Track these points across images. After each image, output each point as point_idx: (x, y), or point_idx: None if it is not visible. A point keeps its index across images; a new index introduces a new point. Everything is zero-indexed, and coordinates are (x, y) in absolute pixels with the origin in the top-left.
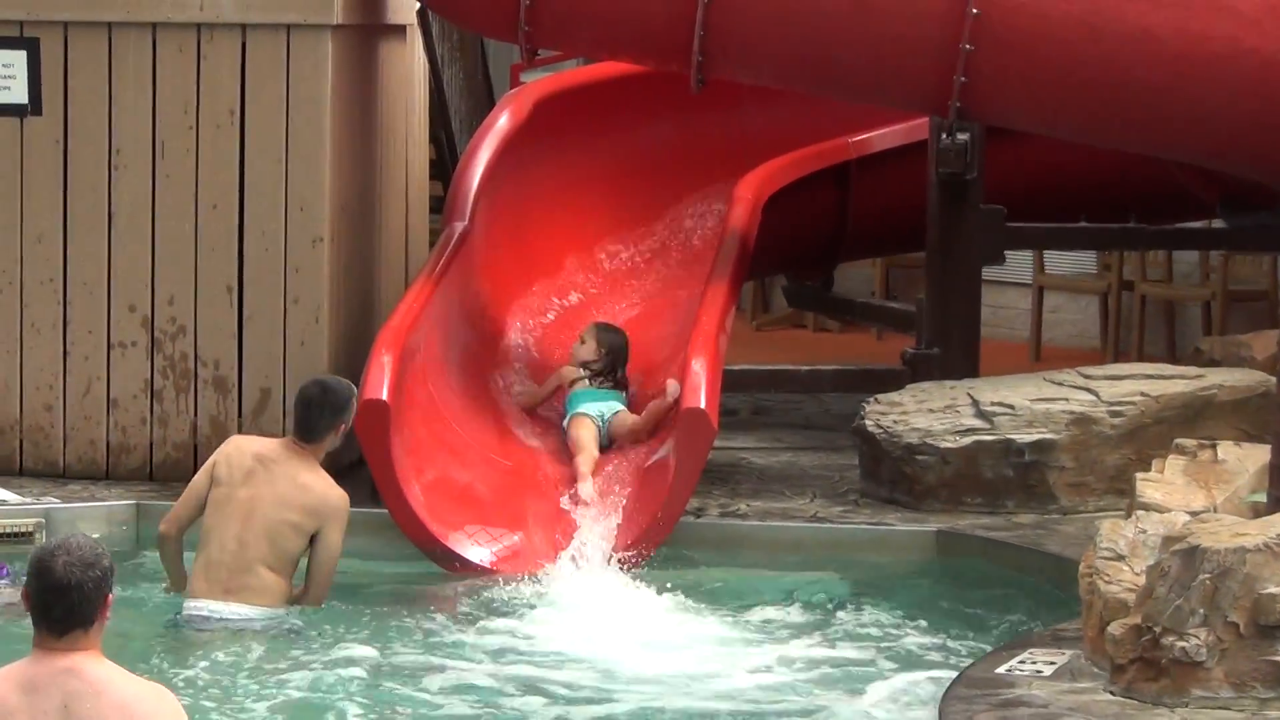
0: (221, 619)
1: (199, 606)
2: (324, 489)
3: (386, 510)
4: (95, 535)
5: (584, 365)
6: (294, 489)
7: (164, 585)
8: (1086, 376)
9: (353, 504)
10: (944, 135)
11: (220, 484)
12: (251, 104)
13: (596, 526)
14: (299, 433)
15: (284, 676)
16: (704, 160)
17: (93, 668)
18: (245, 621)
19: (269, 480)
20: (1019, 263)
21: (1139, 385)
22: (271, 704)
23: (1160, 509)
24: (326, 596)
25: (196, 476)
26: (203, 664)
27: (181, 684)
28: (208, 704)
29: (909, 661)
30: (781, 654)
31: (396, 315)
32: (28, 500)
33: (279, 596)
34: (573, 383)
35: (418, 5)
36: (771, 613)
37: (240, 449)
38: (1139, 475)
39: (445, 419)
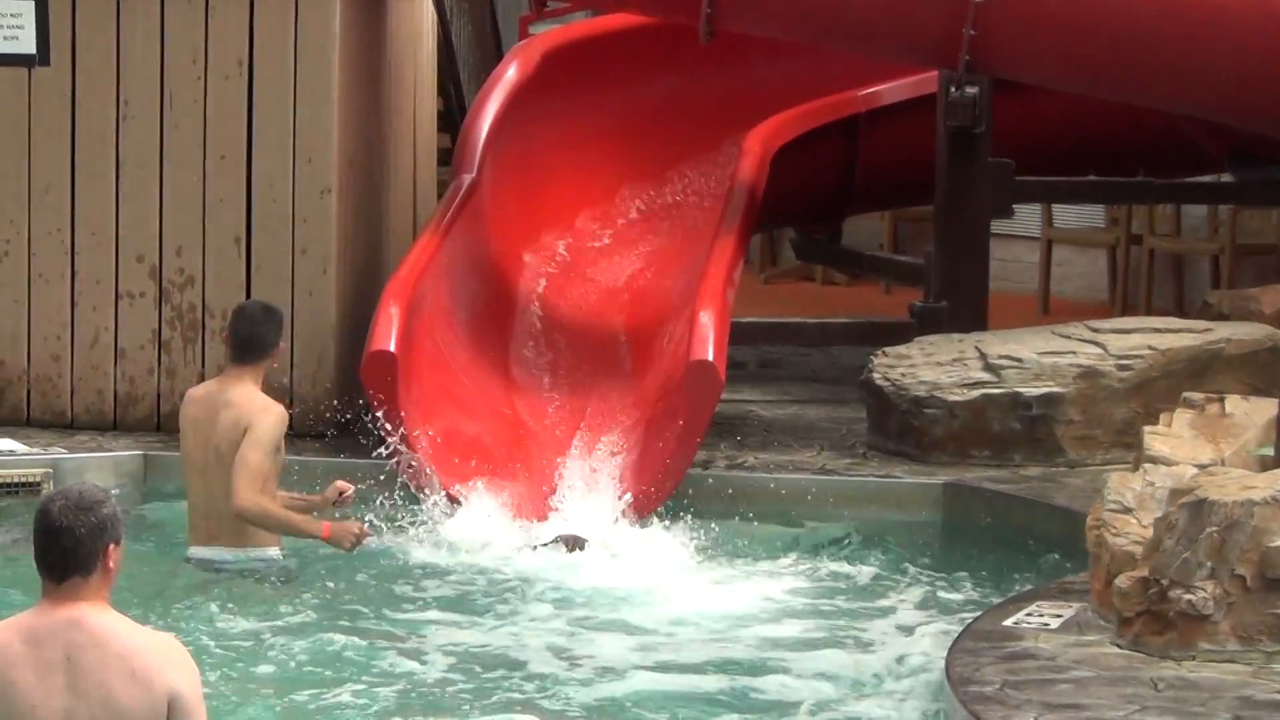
0: (211, 561)
1: (193, 553)
2: (249, 400)
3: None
4: (102, 486)
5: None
6: (227, 418)
7: None
8: (1094, 330)
9: (361, 456)
10: (953, 88)
11: (182, 440)
12: (260, 55)
13: (604, 479)
14: (238, 352)
15: (285, 624)
16: (713, 113)
17: (96, 618)
18: (232, 564)
19: (209, 423)
20: (1027, 216)
21: (1147, 339)
22: (266, 652)
23: (1168, 462)
24: (249, 501)
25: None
26: (207, 609)
27: (188, 629)
28: (215, 648)
29: (915, 614)
30: (787, 606)
31: (404, 266)
32: (35, 451)
33: (258, 535)
34: None
35: None
36: (777, 565)
37: (188, 401)
38: (1146, 428)
39: (452, 370)
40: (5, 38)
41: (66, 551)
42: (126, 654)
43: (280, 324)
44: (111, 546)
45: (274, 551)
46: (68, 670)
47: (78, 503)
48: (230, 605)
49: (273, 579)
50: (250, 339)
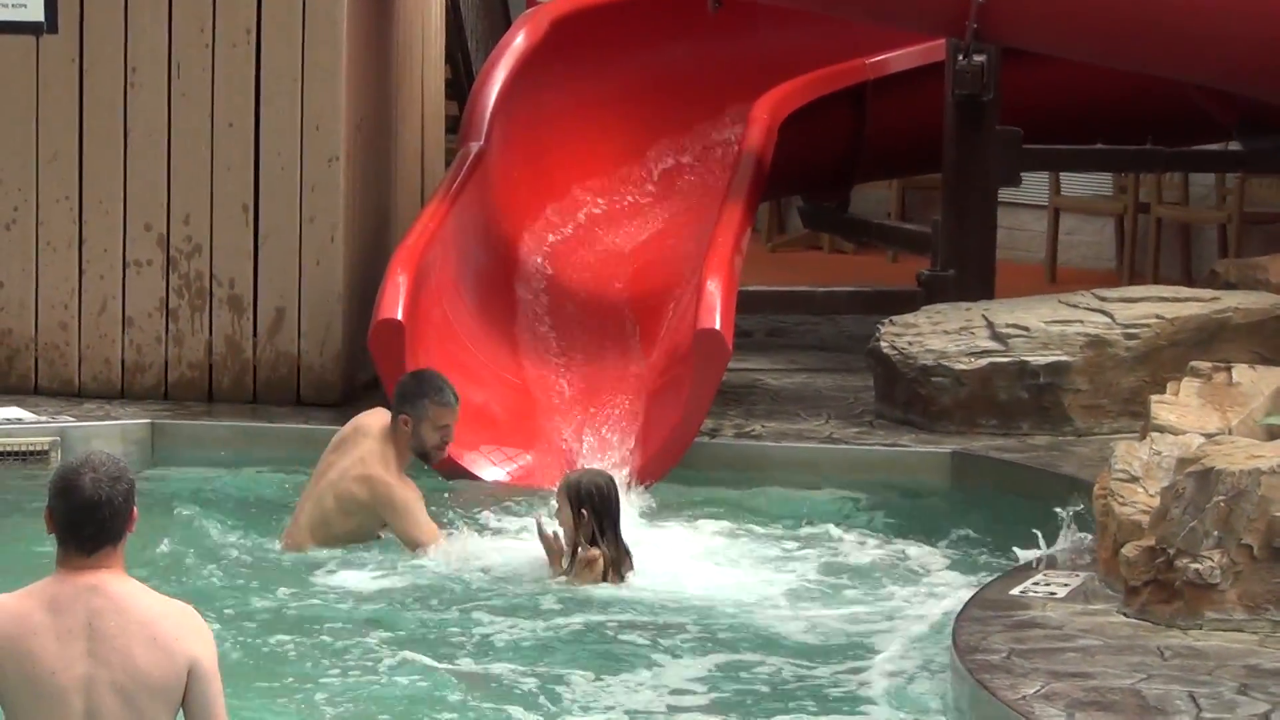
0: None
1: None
2: (370, 470)
3: None
4: (109, 452)
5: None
6: (354, 463)
7: None
8: (1102, 299)
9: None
10: (961, 56)
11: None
12: (268, 23)
13: (611, 447)
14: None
15: (292, 600)
16: (720, 81)
17: (117, 585)
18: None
19: (348, 451)
20: (1035, 185)
21: (1154, 307)
22: (274, 628)
23: (1175, 431)
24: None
25: None
26: (212, 585)
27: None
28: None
29: (922, 583)
30: (794, 575)
31: (412, 235)
32: (43, 419)
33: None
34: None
35: None
36: (784, 533)
37: (356, 420)
38: (1154, 397)
39: (460, 339)
40: (13, 5)
41: (104, 523)
42: (147, 620)
43: (413, 398)
44: (134, 512)
45: None
46: (89, 637)
47: (108, 473)
48: (238, 583)
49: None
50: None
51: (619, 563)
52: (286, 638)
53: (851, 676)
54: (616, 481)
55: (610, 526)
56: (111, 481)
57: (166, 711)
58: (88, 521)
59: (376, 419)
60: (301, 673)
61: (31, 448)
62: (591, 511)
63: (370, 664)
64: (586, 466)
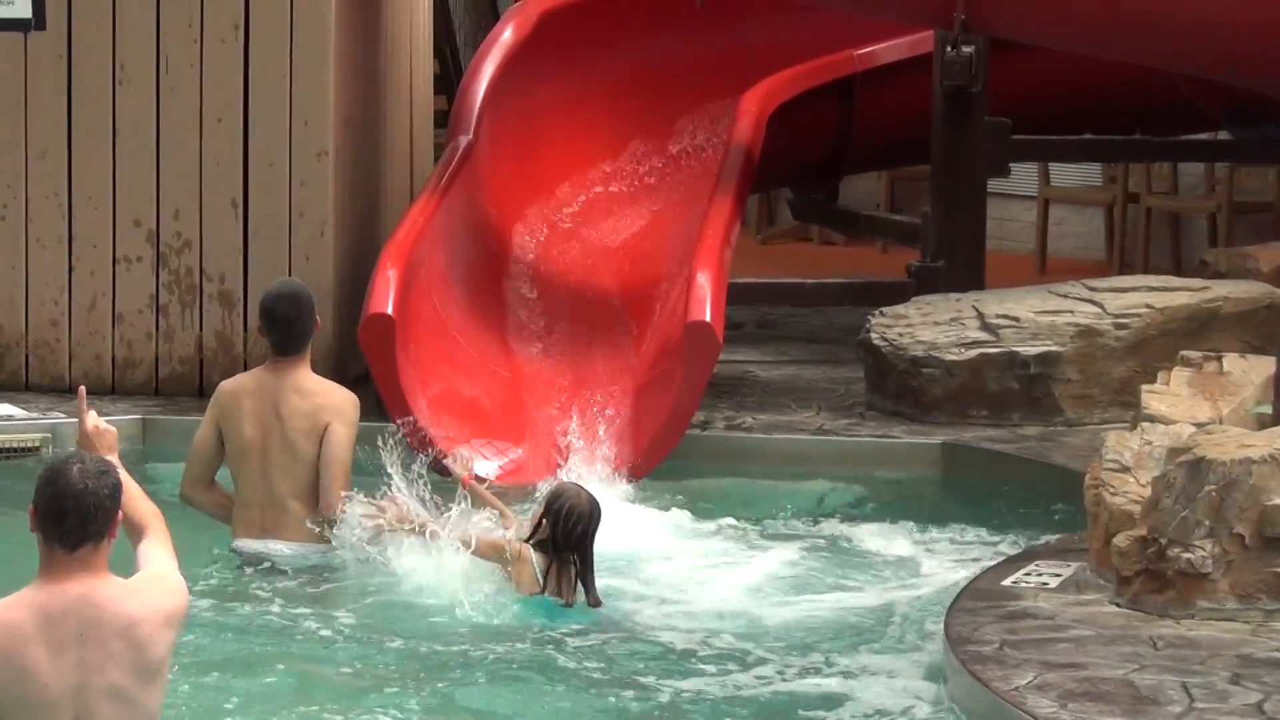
0: (264, 555)
1: (240, 545)
2: (324, 389)
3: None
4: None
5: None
6: (301, 407)
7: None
8: (1091, 289)
9: (358, 418)
10: (949, 48)
11: (230, 438)
12: (256, 18)
13: (602, 440)
14: (284, 348)
15: (280, 598)
16: (709, 74)
17: (104, 590)
18: (283, 558)
19: (271, 412)
20: (1024, 175)
21: (1144, 297)
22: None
23: (1165, 421)
24: (339, 504)
25: (200, 432)
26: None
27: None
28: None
29: (914, 574)
30: (784, 568)
31: (401, 229)
32: (34, 416)
33: (312, 531)
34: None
35: None
36: (776, 525)
37: (233, 394)
38: (1144, 387)
39: (450, 333)
40: (1, 2)
41: (87, 514)
42: (137, 620)
43: (312, 304)
44: (119, 516)
45: (322, 546)
46: (80, 647)
47: (96, 467)
48: (226, 581)
49: (304, 573)
50: (292, 335)
51: (564, 585)
52: (272, 638)
53: (842, 669)
54: (598, 515)
55: (567, 549)
56: (98, 475)
57: (160, 690)
58: (72, 511)
59: (263, 375)
60: (289, 674)
61: (23, 444)
62: (552, 528)
63: (360, 669)
64: (583, 486)
